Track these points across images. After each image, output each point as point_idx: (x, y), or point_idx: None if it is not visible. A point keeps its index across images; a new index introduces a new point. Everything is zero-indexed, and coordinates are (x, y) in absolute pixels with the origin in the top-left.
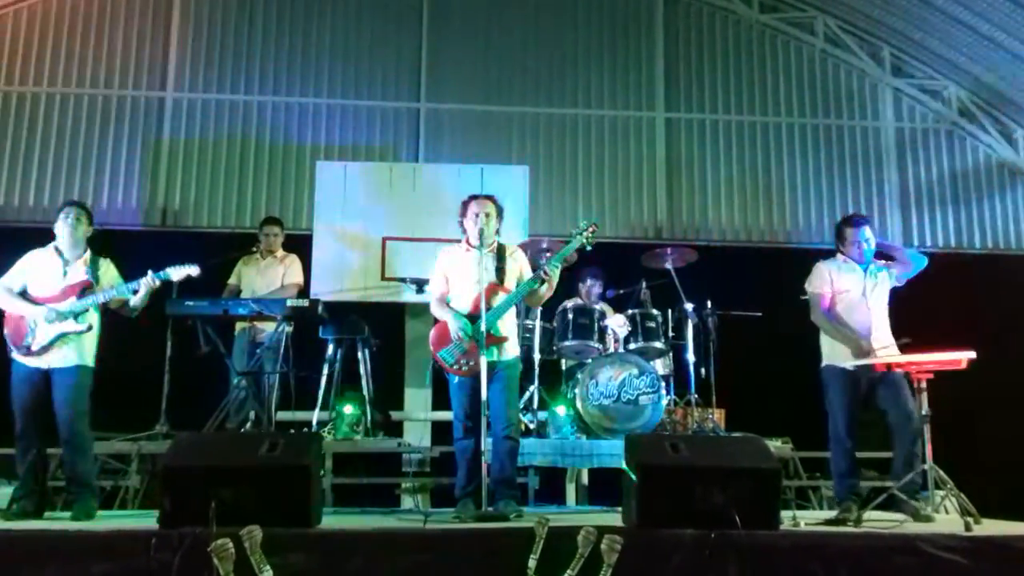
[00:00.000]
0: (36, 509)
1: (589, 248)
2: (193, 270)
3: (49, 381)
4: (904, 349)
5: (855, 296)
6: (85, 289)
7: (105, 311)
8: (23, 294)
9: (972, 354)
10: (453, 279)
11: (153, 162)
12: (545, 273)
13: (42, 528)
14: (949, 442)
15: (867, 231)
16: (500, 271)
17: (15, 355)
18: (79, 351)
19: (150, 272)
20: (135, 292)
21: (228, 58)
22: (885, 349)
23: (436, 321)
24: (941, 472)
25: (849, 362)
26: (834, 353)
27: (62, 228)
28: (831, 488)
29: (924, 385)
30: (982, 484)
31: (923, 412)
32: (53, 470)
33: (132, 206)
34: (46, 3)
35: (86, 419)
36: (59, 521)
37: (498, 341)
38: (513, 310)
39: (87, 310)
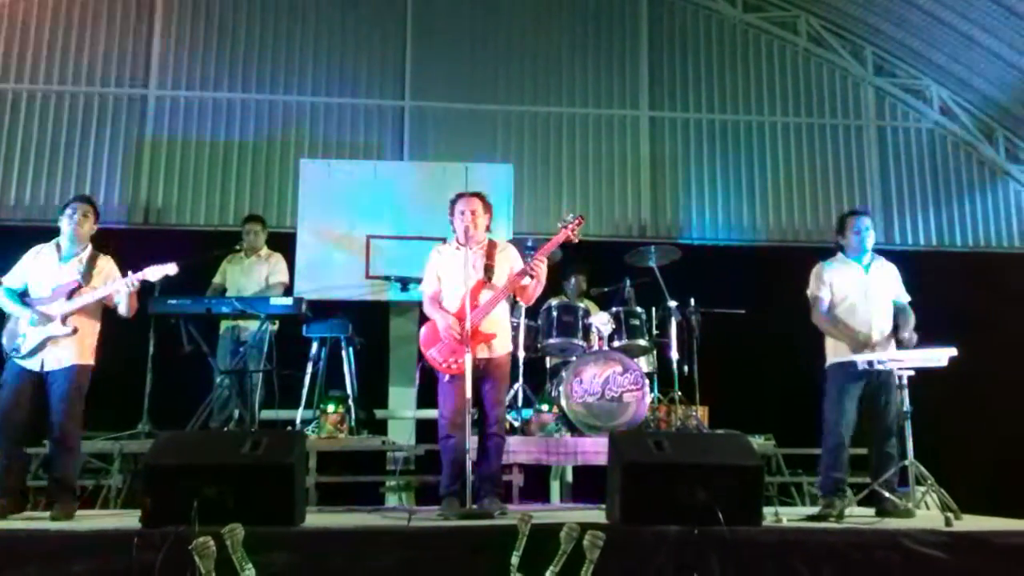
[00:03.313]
0: (15, 509)
1: (576, 241)
2: (171, 269)
3: (43, 382)
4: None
5: (855, 295)
6: (74, 291)
7: (105, 310)
8: (25, 292)
9: (953, 351)
10: (444, 278)
11: (136, 160)
12: (531, 268)
13: (23, 528)
14: (931, 438)
15: (866, 220)
16: (488, 268)
17: (12, 355)
18: (75, 351)
19: (130, 273)
20: (114, 294)
21: (211, 55)
22: (884, 348)
23: (426, 319)
24: (922, 468)
25: (852, 357)
26: (838, 352)
27: (65, 225)
28: (814, 484)
29: (905, 382)
30: (964, 480)
31: (904, 408)
32: (34, 470)
33: (115, 204)
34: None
35: (79, 420)
36: (39, 521)
37: (487, 338)
38: (504, 307)
39: (71, 313)
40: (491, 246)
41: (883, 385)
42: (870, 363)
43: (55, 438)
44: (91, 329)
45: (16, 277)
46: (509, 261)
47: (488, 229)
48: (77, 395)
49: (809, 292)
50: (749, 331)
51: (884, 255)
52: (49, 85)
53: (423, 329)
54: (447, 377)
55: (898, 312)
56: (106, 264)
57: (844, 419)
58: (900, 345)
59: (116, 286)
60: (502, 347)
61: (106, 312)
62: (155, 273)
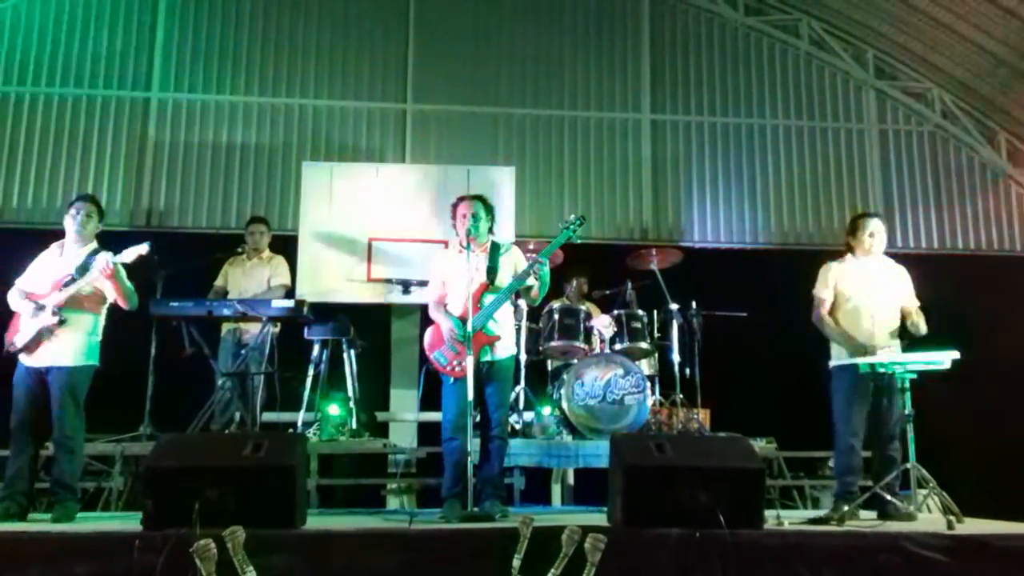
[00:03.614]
0: (20, 511)
1: (578, 240)
2: (143, 248)
3: (46, 380)
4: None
5: (860, 297)
6: (67, 283)
7: (111, 309)
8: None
9: (956, 354)
10: (448, 281)
11: (138, 163)
12: (534, 270)
13: (25, 529)
14: (933, 441)
15: (878, 223)
16: (491, 271)
17: (9, 349)
18: (74, 350)
19: (106, 257)
20: (92, 281)
21: (213, 59)
22: (887, 350)
23: (429, 323)
24: (924, 471)
25: (853, 360)
26: (843, 353)
27: (69, 224)
28: (815, 487)
29: (907, 385)
30: (966, 483)
31: (906, 412)
32: (38, 471)
33: (117, 207)
34: (30, 3)
35: (78, 420)
36: (40, 523)
37: (490, 340)
38: (508, 309)
39: (61, 303)
40: (494, 248)
41: (885, 387)
42: (872, 366)
43: (56, 439)
44: (91, 326)
45: (26, 280)
46: (512, 263)
47: (491, 231)
48: (75, 394)
49: (814, 292)
50: (751, 334)
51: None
52: (52, 88)
53: (427, 332)
54: (452, 380)
55: (905, 315)
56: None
57: (851, 422)
58: (907, 330)
59: (93, 274)
60: (505, 350)
61: (111, 312)
62: (129, 255)
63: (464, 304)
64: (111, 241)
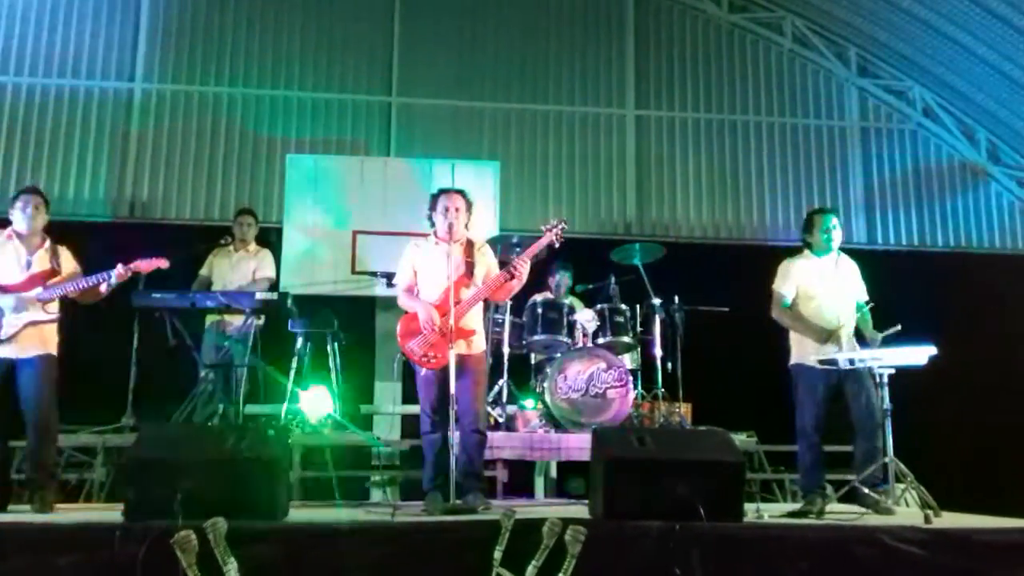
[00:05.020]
0: (1, 503)
1: (558, 245)
2: (162, 263)
3: (14, 372)
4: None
5: (821, 292)
6: (50, 278)
7: (63, 300)
8: None
9: (933, 350)
10: (422, 272)
11: (121, 153)
12: (515, 268)
13: (6, 521)
14: (910, 436)
15: (833, 219)
16: (469, 265)
17: None
18: (44, 341)
19: (120, 265)
20: (103, 282)
21: (198, 50)
22: (851, 343)
23: (404, 313)
24: (902, 465)
25: (816, 358)
26: (802, 350)
27: (21, 218)
28: (796, 481)
29: (886, 380)
30: (943, 478)
31: (884, 406)
32: (17, 464)
33: (100, 198)
34: None
35: (55, 407)
36: (22, 514)
37: (466, 335)
38: (480, 305)
39: (54, 299)
40: (470, 244)
41: (851, 381)
42: (833, 361)
43: (33, 424)
44: (57, 316)
45: None
46: (487, 260)
47: (467, 227)
48: (50, 382)
49: (774, 287)
50: (732, 329)
51: (866, 255)
52: (35, 78)
53: (400, 321)
54: (423, 371)
55: (860, 321)
56: (68, 255)
57: (814, 418)
58: (864, 343)
59: (100, 276)
60: (479, 345)
61: (65, 303)
62: (147, 265)
63: (443, 296)
64: (93, 233)
